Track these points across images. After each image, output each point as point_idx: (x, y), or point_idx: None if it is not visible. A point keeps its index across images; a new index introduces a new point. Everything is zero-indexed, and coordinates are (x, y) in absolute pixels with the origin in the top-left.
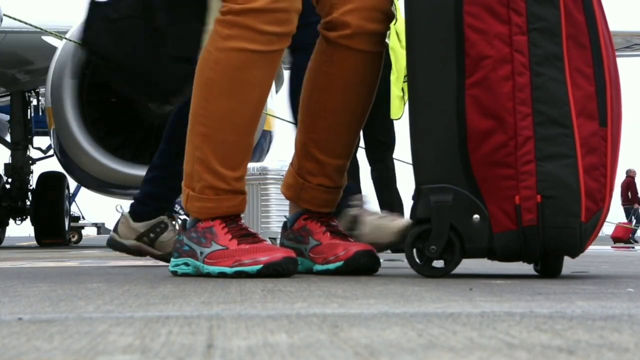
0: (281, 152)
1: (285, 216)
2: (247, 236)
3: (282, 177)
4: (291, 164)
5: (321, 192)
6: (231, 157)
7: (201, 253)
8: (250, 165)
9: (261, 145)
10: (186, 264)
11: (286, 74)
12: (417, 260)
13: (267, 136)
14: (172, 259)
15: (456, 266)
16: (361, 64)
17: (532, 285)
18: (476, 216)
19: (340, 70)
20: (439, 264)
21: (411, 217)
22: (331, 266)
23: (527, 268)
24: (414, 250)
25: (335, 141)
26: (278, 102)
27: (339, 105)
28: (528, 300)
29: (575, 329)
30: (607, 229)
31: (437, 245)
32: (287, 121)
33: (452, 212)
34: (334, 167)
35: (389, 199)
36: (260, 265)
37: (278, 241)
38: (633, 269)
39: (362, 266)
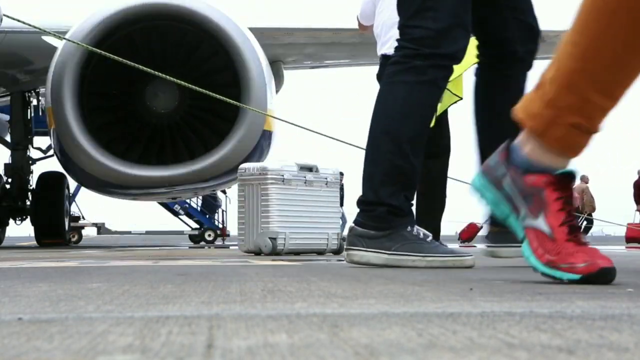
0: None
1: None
2: (574, 230)
3: (282, 177)
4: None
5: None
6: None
7: (524, 217)
8: (250, 165)
9: (261, 145)
10: (491, 193)
11: (290, 73)
12: None
13: (267, 136)
14: (476, 176)
15: None
16: None
17: (532, 285)
18: None
19: None
20: None
21: None
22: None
23: (526, 268)
24: None
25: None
26: (278, 102)
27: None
28: (528, 300)
29: (575, 328)
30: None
31: None
32: (287, 122)
33: None
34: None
35: (439, 196)
36: (577, 276)
37: (279, 241)
38: (633, 269)
39: None
